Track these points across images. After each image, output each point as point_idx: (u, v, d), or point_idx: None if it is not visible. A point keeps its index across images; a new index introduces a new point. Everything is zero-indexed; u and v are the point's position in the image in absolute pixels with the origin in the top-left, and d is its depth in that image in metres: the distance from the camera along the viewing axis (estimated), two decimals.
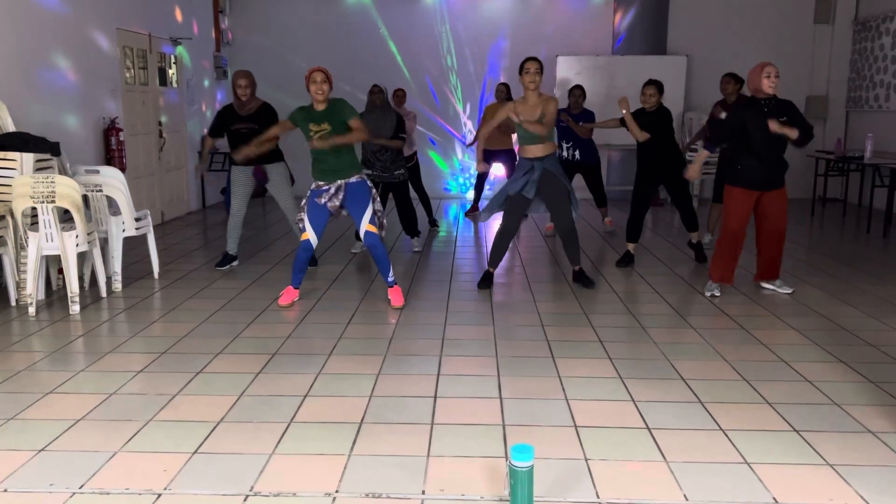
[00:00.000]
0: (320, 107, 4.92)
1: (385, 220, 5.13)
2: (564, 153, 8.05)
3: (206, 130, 6.29)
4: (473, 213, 9.48)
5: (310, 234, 5.03)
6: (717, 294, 5.42)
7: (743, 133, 5.11)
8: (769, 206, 5.25)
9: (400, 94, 8.36)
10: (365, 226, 4.99)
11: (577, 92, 7.95)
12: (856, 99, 10.45)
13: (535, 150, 5.36)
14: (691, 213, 6.49)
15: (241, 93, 5.89)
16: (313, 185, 5.04)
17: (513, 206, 5.50)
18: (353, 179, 5.00)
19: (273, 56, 10.95)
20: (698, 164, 5.39)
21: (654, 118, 6.22)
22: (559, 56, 10.66)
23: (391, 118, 6.81)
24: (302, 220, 5.05)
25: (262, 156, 5.91)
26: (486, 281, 5.70)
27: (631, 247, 6.50)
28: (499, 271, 6.16)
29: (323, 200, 4.99)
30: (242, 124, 5.93)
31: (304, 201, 5.10)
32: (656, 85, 6.27)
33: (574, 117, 7.89)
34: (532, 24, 11.00)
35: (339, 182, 4.97)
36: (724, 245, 5.33)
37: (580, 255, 5.75)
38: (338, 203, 4.97)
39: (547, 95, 5.35)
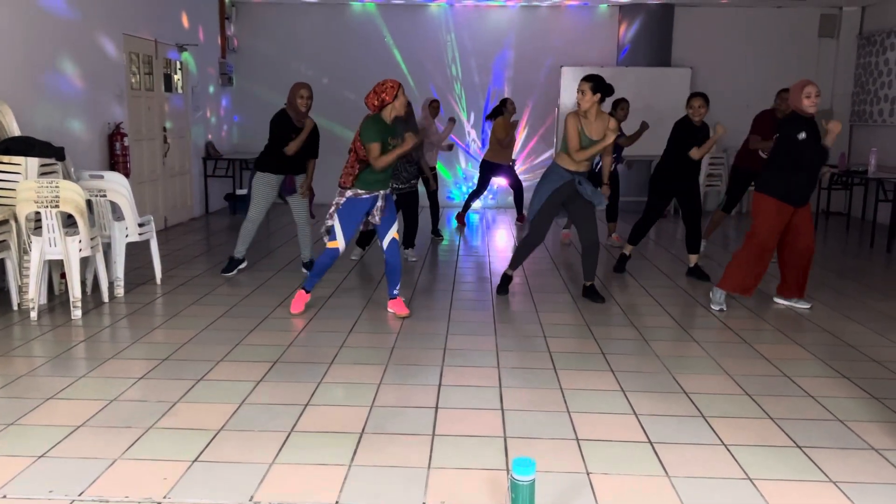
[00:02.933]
0: (389, 121, 4.91)
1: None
2: None
3: (280, 150, 6.11)
4: (463, 218, 9.41)
5: (340, 243, 4.96)
6: (725, 309, 5.35)
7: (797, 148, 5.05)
8: (800, 221, 5.23)
9: (435, 106, 8.42)
10: (392, 233, 5.06)
11: (624, 105, 7.64)
12: (860, 113, 10.45)
13: (580, 165, 5.38)
14: (698, 232, 6.31)
15: (302, 104, 5.92)
16: (350, 194, 4.89)
17: (545, 215, 5.47)
18: (388, 191, 5.07)
19: (278, 63, 10.99)
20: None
21: (705, 133, 6.11)
22: (564, 67, 10.68)
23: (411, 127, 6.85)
24: (332, 227, 4.95)
25: (298, 164, 6.07)
26: (504, 286, 5.79)
27: (629, 249, 6.55)
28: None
29: (377, 217, 5.00)
30: (296, 136, 5.99)
31: (332, 209, 4.97)
32: (704, 97, 6.11)
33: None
34: (537, 35, 11.03)
35: (381, 191, 4.98)
36: (751, 257, 5.17)
37: (595, 271, 5.66)
38: (381, 213, 5.03)
39: (605, 114, 5.45)
